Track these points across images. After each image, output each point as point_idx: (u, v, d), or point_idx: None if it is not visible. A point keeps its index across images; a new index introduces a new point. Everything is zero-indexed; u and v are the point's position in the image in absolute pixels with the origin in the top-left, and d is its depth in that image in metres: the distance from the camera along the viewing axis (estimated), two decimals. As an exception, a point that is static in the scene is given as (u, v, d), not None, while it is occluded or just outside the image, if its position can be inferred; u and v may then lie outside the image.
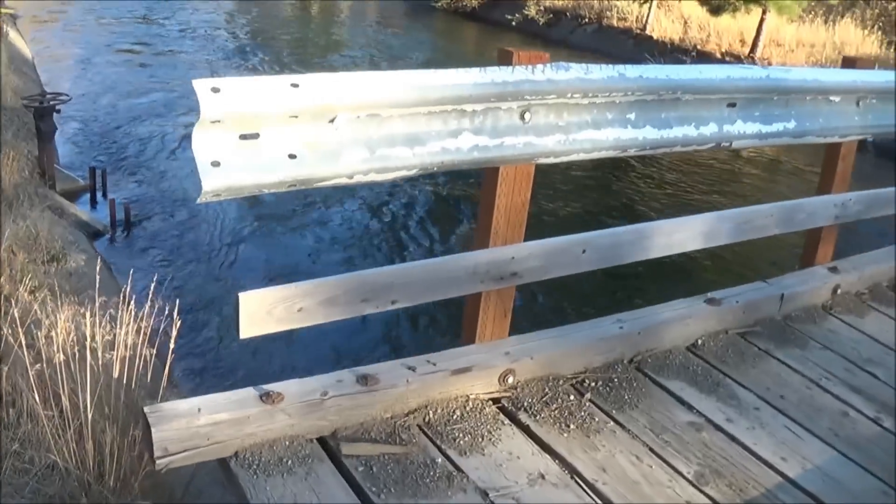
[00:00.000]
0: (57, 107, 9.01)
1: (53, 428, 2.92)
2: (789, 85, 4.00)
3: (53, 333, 3.14)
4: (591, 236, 3.56)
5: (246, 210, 9.53)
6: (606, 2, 23.69)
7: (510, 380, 3.27)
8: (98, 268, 3.84)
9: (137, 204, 9.41)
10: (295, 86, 2.58)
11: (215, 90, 2.42)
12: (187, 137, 2.55)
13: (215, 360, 6.18)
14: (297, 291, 2.80)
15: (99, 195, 9.53)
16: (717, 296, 4.21)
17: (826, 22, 20.80)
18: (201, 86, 2.41)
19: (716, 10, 19.42)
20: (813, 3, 19.99)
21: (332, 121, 2.69)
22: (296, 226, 9.42)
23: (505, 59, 3.06)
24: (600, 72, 3.22)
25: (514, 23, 24.60)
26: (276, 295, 2.77)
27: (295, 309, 2.79)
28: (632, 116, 3.43)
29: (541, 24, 24.20)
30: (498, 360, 3.30)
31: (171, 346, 3.32)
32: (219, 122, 2.47)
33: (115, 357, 3.15)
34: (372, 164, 2.75)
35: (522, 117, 3.10)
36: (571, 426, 3.14)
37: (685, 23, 21.92)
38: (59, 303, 4.45)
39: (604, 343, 3.64)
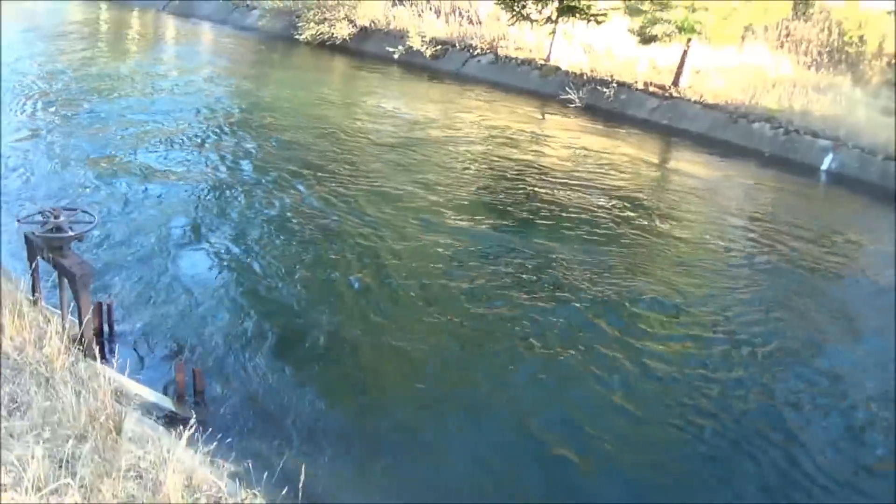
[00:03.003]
0: (76, 231, 6.82)
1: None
2: None
3: None
4: None
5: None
6: (498, 31, 23.13)
7: None
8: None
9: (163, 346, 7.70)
10: None
11: None
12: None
13: None
14: None
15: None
16: None
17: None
18: None
19: (647, 41, 19.63)
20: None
21: None
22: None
23: None
24: None
25: (396, 55, 23.38)
26: None
27: None
28: None
29: (428, 56, 23.15)
30: None
31: None
32: None
33: None
34: None
35: None
36: None
37: (587, 52, 22.01)
38: None
39: None
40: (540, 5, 21.39)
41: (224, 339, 8.15)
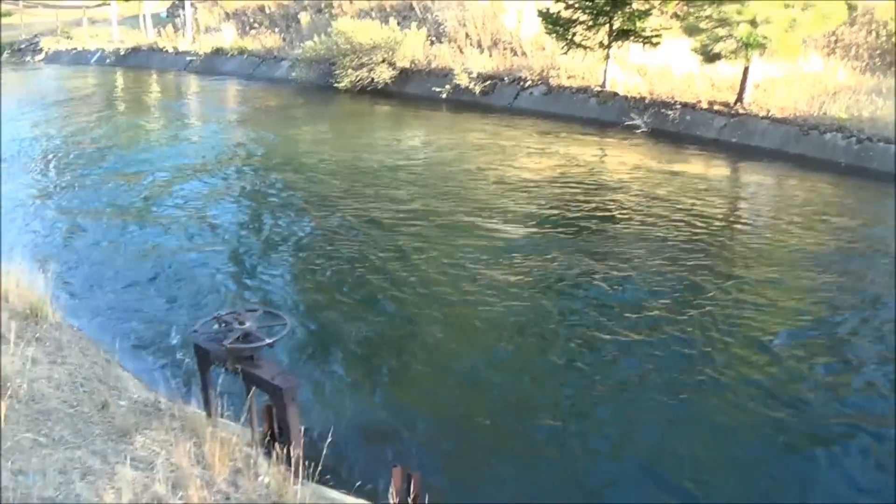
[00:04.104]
0: (268, 340, 6.16)
1: None
2: None
3: None
4: None
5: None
6: (546, 61, 22.94)
7: None
8: None
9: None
10: None
11: None
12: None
13: None
14: None
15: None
16: None
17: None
18: None
19: (711, 60, 19.53)
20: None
21: None
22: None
23: None
24: None
25: (443, 95, 23.14)
26: None
27: None
28: None
29: (476, 92, 22.91)
30: None
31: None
32: None
33: None
34: None
35: None
36: None
37: (642, 75, 21.88)
38: None
39: None
40: (591, 31, 21.24)
41: (405, 425, 7.56)
